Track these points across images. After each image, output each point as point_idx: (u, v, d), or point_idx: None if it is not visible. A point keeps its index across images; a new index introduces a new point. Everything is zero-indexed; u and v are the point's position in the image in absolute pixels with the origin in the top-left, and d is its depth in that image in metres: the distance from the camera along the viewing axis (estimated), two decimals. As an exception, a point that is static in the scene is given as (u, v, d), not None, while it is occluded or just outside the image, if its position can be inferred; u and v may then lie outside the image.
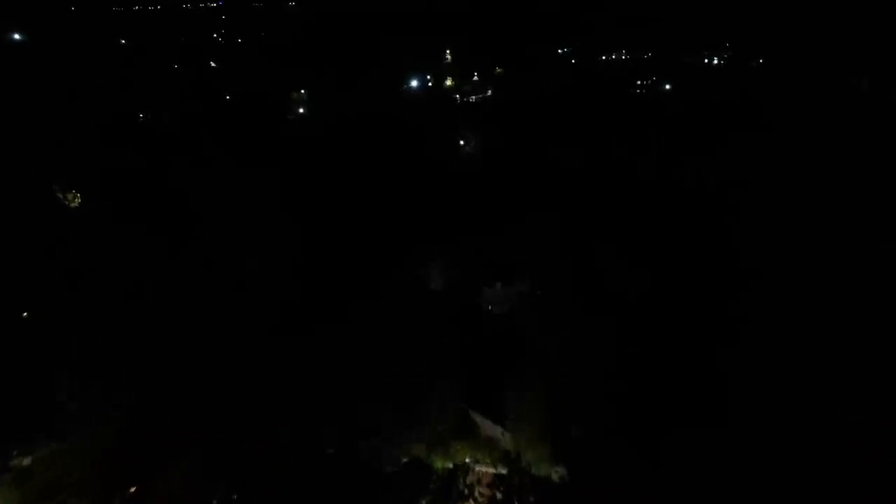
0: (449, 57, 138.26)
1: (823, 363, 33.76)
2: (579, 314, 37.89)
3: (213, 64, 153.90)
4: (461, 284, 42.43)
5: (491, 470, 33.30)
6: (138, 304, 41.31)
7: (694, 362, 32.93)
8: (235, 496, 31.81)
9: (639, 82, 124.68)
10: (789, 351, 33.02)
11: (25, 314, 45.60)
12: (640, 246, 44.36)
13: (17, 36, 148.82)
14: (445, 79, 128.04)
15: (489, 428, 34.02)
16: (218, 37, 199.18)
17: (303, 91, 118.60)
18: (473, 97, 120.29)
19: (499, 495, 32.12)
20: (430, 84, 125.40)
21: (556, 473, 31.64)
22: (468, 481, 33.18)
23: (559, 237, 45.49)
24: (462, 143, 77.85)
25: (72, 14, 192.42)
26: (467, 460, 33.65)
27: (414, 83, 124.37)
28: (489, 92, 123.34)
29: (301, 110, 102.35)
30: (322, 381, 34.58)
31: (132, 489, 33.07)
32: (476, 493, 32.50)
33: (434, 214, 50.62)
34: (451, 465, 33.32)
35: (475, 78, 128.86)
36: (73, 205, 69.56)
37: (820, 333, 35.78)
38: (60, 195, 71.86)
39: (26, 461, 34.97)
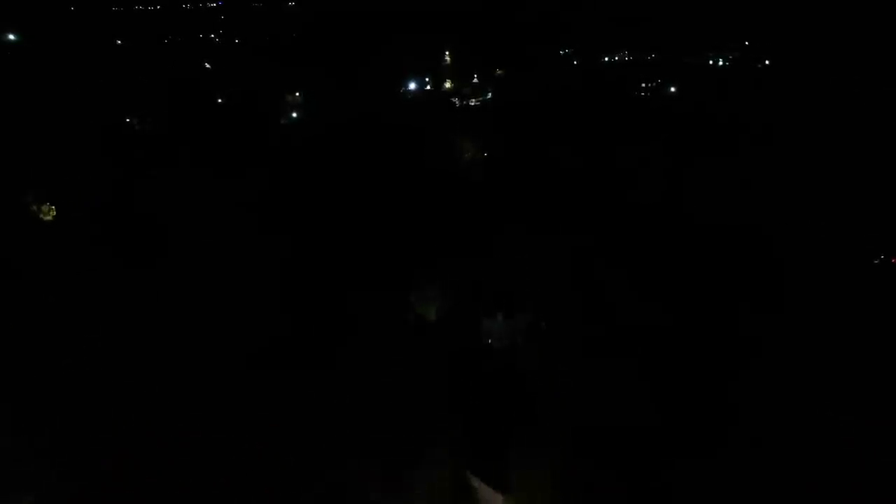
0: (448, 58, 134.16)
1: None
2: (589, 355, 33.94)
3: (206, 65, 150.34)
4: (458, 315, 38.52)
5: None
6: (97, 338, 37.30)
7: (725, 419, 28.94)
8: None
9: (643, 85, 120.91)
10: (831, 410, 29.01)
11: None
12: (655, 273, 40.31)
13: (10, 36, 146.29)
14: (444, 81, 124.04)
15: (488, 494, 29.99)
16: (215, 37, 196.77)
17: (297, 94, 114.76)
18: (473, 100, 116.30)
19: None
20: (428, 86, 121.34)
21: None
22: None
23: (566, 261, 41.58)
24: (462, 151, 74.00)
25: (67, 14, 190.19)
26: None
27: (412, 85, 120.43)
28: (489, 94, 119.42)
29: (294, 114, 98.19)
30: (301, 433, 30.55)
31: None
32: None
33: (430, 232, 46.68)
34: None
35: (475, 80, 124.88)
36: (47, 218, 65.40)
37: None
38: (34, 208, 67.74)
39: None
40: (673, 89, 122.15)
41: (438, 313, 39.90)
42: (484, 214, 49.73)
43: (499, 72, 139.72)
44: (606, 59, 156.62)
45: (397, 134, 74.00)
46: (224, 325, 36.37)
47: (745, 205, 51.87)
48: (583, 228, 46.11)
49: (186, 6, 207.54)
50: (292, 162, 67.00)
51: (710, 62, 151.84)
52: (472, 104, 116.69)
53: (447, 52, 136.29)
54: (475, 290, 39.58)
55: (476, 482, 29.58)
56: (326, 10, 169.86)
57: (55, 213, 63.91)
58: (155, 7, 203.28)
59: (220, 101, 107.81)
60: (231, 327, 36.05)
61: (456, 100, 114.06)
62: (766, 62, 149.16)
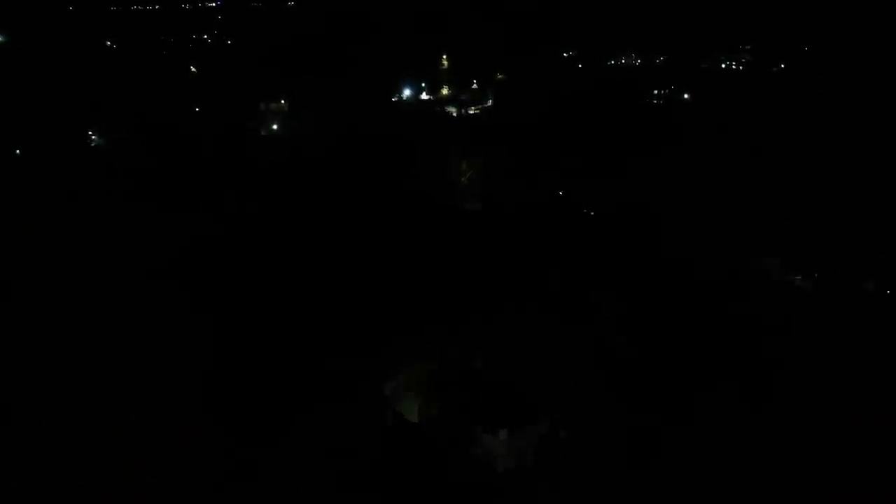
0: (445, 62, 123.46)
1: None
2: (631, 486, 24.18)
3: (192, 68, 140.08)
4: (448, 423, 28.60)
5: None
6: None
7: None
8: None
9: (655, 91, 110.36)
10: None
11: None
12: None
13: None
14: (441, 87, 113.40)
15: None
16: (208, 38, 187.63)
17: (283, 101, 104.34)
18: (472, 108, 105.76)
19: None
20: (424, 93, 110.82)
21: None
22: None
23: (593, 343, 31.45)
24: (459, 174, 63.79)
25: (61, 14, 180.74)
26: None
27: (407, 92, 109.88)
28: (489, 102, 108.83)
29: (274, 126, 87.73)
30: None
31: None
32: None
33: (416, 296, 36.48)
34: None
35: (474, 86, 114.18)
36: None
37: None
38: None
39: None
40: (686, 96, 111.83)
41: (422, 413, 30.16)
42: (481, 269, 39.45)
43: (500, 76, 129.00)
44: (612, 61, 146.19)
45: (387, 156, 63.54)
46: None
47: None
48: (606, 294, 35.87)
49: (190, 5, 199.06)
50: (265, 189, 56.32)
51: (723, 66, 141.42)
52: (472, 112, 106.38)
53: (444, 56, 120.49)
54: (470, 383, 29.67)
55: None
56: (314, 11, 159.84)
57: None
58: (141, 7, 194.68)
59: (196, 108, 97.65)
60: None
61: (453, 109, 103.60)
62: (782, 66, 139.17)
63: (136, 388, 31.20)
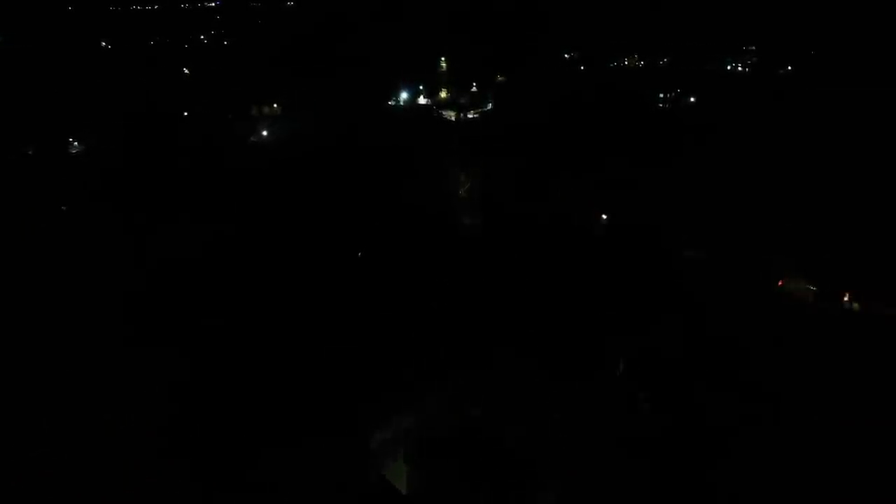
0: (444, 64, 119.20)
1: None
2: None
3: (185, 70, 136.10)
4: (441, 497, 24.32)
5: None
6: None
7: None
8: None
9: (661, 95, 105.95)
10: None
11: None
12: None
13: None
14: (440, 90, 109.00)
15: None
16: (205, 38, 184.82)
17: (275, 105, 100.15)
18: (472, 112, 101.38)
19: None
20: (422, 96, 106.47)
21: None
22: None
23: (605, 397, 27.20)
24: (458, 185, 59.27)
25: (60, 14, 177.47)
26: None
27: (404, 95, 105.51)
28: (489, 105, 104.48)
29: (264, 132, 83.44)
30: None
31: None
32: None
33: (408, 338, 31.80)
34: None
35: (473, 89, 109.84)
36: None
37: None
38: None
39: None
40: (692, 99, 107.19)
41: (412, 482, 26.02)
42: (484, 303, 34.98)
43: (500, 78, 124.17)
44: (615, 63, 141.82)
45: (380, 167, 58.66)
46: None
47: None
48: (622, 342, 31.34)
49: (189, 5, 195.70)
50: (247, 207, 51.58)
51: (728, 67, 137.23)
52: (471, 117, 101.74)
53: (443, 58, 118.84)
54: (467, 445, 25.43)
55: None
56: (313, 11, 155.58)
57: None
58: (165, 9, 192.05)
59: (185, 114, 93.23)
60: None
61: (452, 114, 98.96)
62: (789, 68, 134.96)
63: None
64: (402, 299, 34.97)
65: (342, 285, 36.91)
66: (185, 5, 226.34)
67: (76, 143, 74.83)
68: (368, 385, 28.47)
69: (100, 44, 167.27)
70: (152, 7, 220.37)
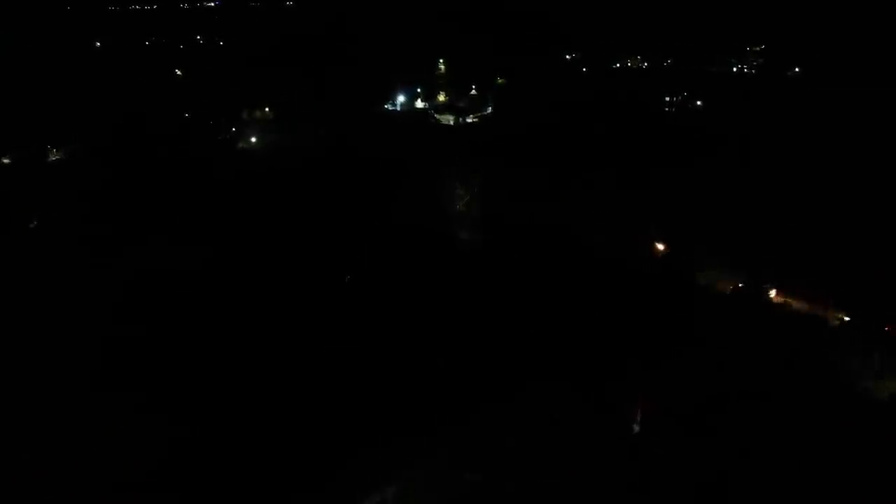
0: (442, 66, 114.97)
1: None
2: None
3: (178, 72, 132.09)
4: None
5: None
6: None
7: None
8: None
9: (667, 99, 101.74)
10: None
11: None
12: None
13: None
14: (438, 93, 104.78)
15: None
16: (200, 39, 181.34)
17: (266, 109, 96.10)
18: (471, 117, 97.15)
19: None
20: (419, 100, 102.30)
21: None
22: None
23: (620, 446, 22.99)
24: (456, 198, 54.90)
25: (57, 15, 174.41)
26: None
27: (401, 98, 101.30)
28: (489, 109, 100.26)
29: (253, 139, 79.24)
30: None
31: None
32: None
33: (404, 384, 27.58)
34: None
35: (473, 91, 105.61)
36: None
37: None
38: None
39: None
40: (699, 103, 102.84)
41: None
42: (484, 340, 30.58)
43: (500, 80, 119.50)
44: (618, 64, 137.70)
45: (374, 179, 54.19)
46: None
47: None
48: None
49: (188, 5, 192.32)
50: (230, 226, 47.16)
51: (734, 69, 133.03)
52: (471, 121, 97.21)
53: (441, 61, 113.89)
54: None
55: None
56: (312, 11, 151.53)
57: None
58: (163, 9, 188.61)
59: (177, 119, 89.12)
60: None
61: (450, 118, 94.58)
62: (797, 69, 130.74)
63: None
64: (392, 342, 30.88)
65: (325, 319, 32.88)
66: (184, 5, 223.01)
67: (55, 151, 70.71)
68: (348, 443, 24.55)
69: (93, 44, 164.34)
70: (151, 7, 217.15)
